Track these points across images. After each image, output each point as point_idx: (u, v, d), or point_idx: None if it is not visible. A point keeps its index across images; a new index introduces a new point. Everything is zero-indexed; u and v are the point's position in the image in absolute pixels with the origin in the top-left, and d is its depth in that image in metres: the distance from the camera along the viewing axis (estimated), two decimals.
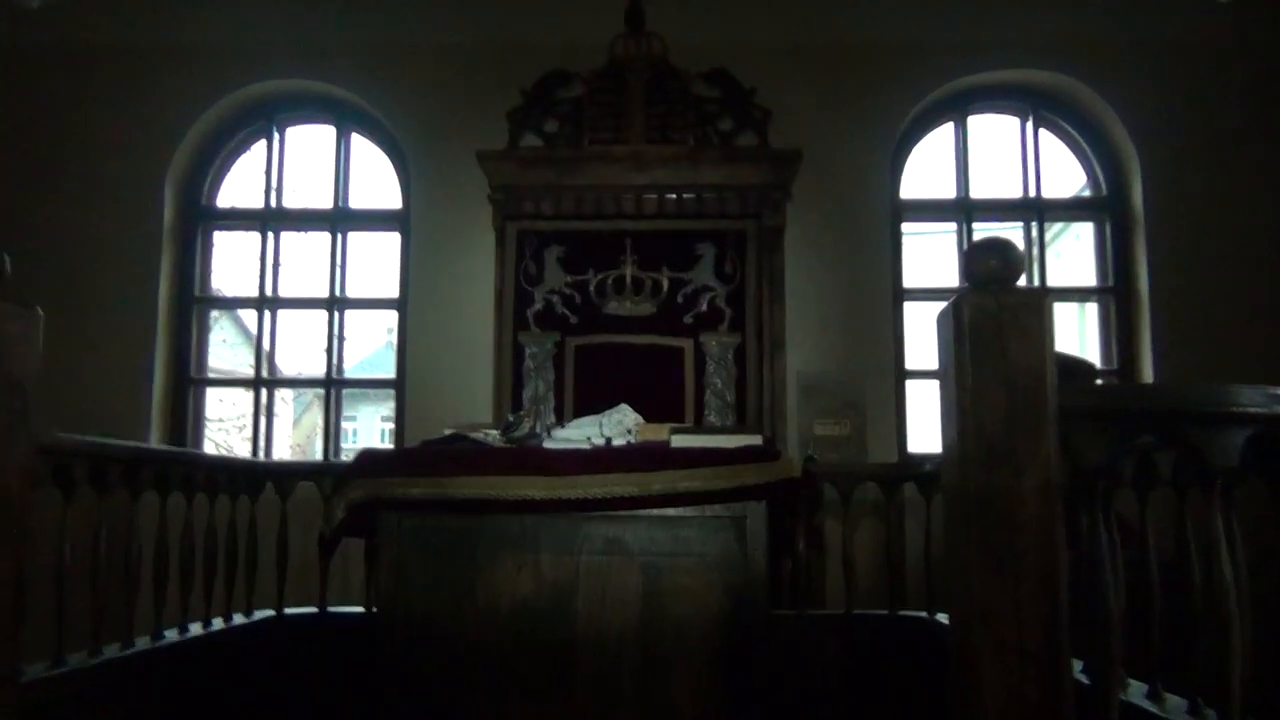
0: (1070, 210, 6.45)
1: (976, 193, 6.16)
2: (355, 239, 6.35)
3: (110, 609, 2.86)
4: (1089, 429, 1.69)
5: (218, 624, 3.54)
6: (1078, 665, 2.08)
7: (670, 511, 3.09)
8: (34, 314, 1.93)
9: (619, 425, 3.43)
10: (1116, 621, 1.74)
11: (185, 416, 6.09)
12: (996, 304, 1.70)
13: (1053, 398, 1.66)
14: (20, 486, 1.88)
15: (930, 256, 6.98)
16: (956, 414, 1.70)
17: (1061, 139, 6.20)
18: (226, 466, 3.89)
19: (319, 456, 6.19)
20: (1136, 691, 2.22)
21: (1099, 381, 5.87)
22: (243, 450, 6.65)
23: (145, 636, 3.10)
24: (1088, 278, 6.22)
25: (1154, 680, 2.21)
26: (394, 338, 6.27)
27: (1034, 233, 6.10)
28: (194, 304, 6.23)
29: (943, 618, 3.40)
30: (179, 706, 3.18)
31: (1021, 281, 1.73)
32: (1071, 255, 6.98)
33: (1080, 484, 1.79)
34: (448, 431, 3.51)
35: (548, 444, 3.32)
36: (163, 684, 3.08)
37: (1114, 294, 6.01)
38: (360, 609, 3.83)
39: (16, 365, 1.87)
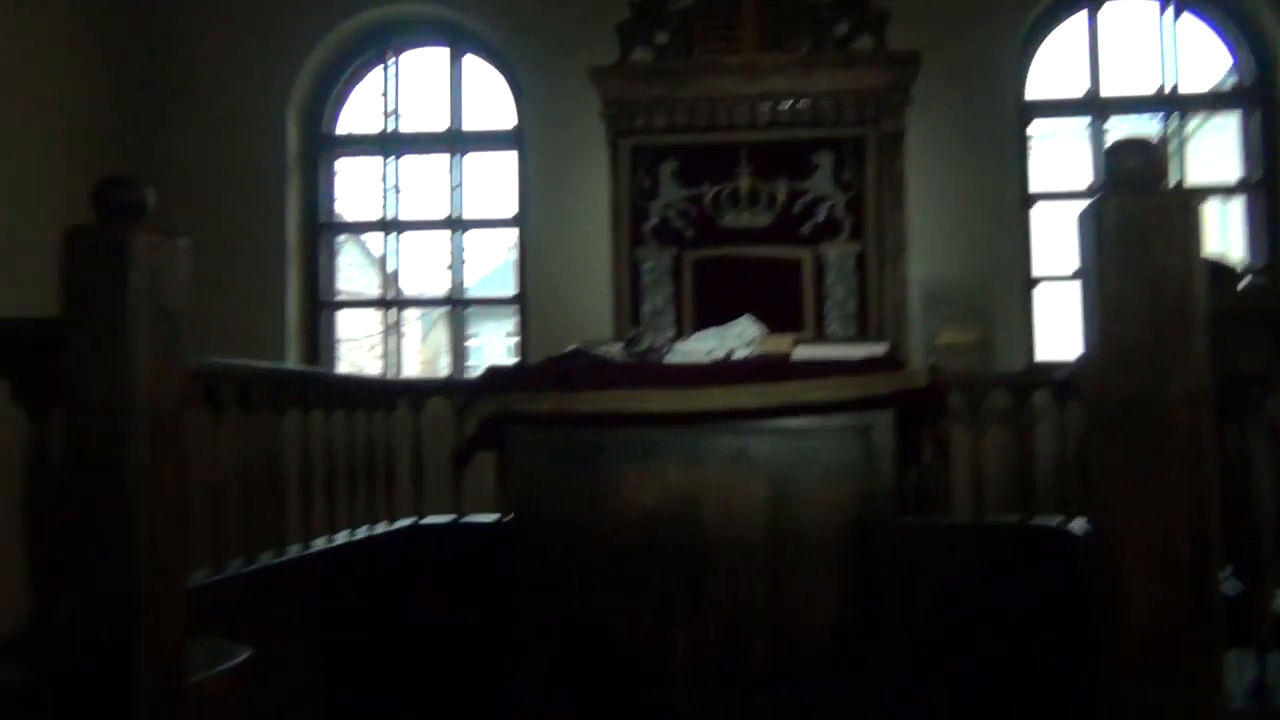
0: (1213, 102, 6.08)
1: (1110, 88, 5.84)
2: (472, 160, 6.43)
3: (262, 522, 3.03)
4: (1241, 334, 1.62)
5: (362, 533, 3.72)
6: (1226, 571, 2.03)
7: (795, 423, 3.09)
8: (180, 242, 2.02)
9: (740, 337, 3.42)
10: (1267, 532, 1.68)
11: (319, 338, 6.32)
12: (1141, 205, 1.63)
13: (1202, 302, 1.59)
14: (176, 409, 1.99)
15: (1059, 158, 6.68)
16: (1100, 320, 1.65)
17: (1205, 23, 5.80)
18: (362, 384, 4.05)
19: (445, 373, 6.36)
20: None
21: (1242, 285, 5.59)
22: (373, 368, 6.89)
23: (296, 545, 3.28)
24: (1230, 173, 5.87)
25: None
26: (514, 255, 6.35)
27: (1173, 127, 5.78)
28: (321, 229, 6.41)
29: (1074, 527, 3.34)
30: (330, 608, 3.37)
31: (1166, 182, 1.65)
32: (1213, 148, 6.59)
33: (1231, 391, 1.72)
34: (571, 347, 3.56)
35: (670, 358, 3.35)
36: (314, 587, 3.26)
37: (1264, 187, 5.67)
38: (494, 517, 3.97)
39: (166, 293, 1.96)
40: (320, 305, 6.36)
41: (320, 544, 3.39)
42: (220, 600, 2.72)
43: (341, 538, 3.55)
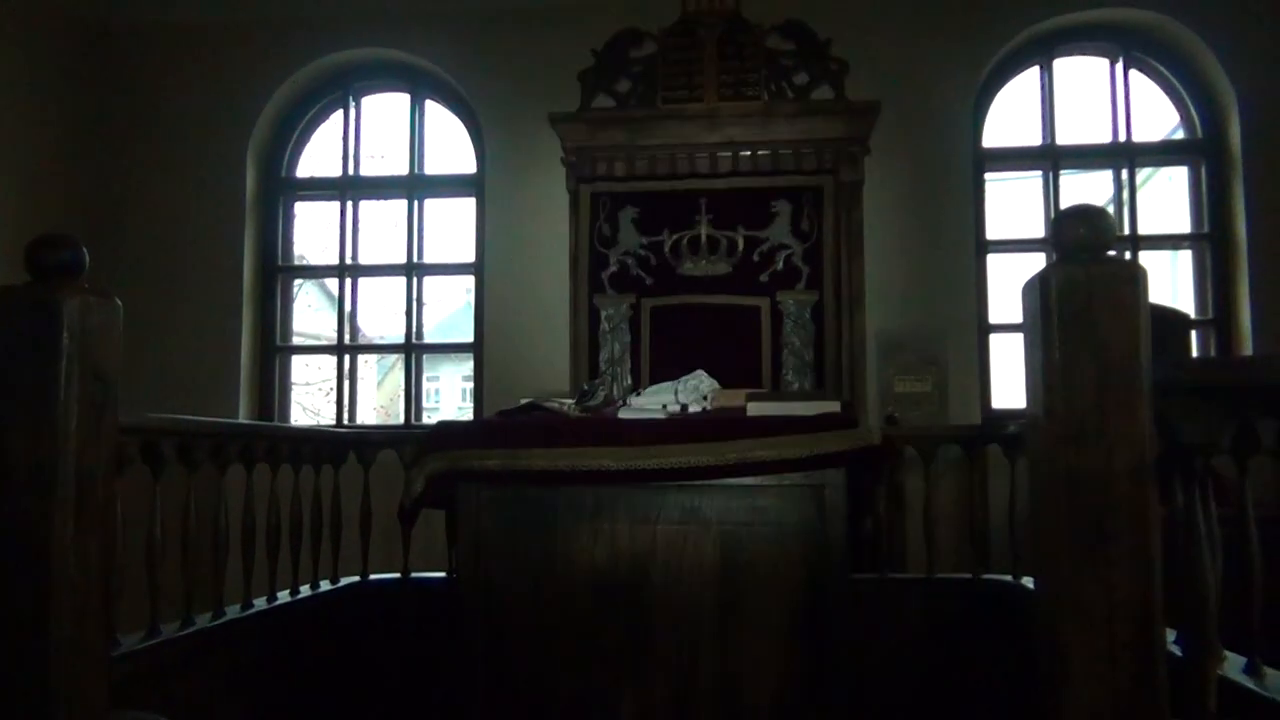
0: (1163, 154, 6.16)
1: (1064, 138, 5.93)
2: (432, 205, 6.40)
3: (201, 581, 2.94)
4: (1186, 405, 1.61)
5: (305, 591, 3.63)
6: (1171, 635, 2.01)
7: (747, 480, 3.06)
8: (113, 304, 1.97)
9: (694, 391, 3.40)
10: (1214, 604, 1.67)
11: (273, 383, 6.23)
12: (1086, 275, 1.62)
13: (1147, 373, 1.58)
14: (107, 473, 1.92)
15: (1015, 206, 6.76)
16: (1043, 390, 1.63)
17: (1153, 80, 5.92)
18: (309, 438, 3.97)
19: (403, 418, 6.28)
20: (1234, 666, 2.13)
21: (1193, 333, 5.65)
22: (329, 412, 6.80)
23: (235, 605, 3.18)
24: (1181, 223, 5.96)
25: (1253, 654, 2.12)
26: (472, 300, 6.32)
27: (1124, 178, 5.87)
28: (278, 273, 6.35)
29: (1028, 582, 3.32)
30: (269, 671, 3.27)
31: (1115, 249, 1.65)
32: (1164, 200, 6.70)
33: (1176, 459, 1.71)
34: (524, 401, 3.52)
35: (623, 412, 3.31)
36: (253, 650, 3.17)
37: (1210, 240, 5.76)
38: (442, 574, 3.89)
39: (98, 355, 1.91)
40: (275, 350, 6.27)
41: (261, 604, 3.29)
42: (154, 665, 2.63)
43: (283, 597, 3.45)
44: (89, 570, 1.85)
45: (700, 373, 3.49)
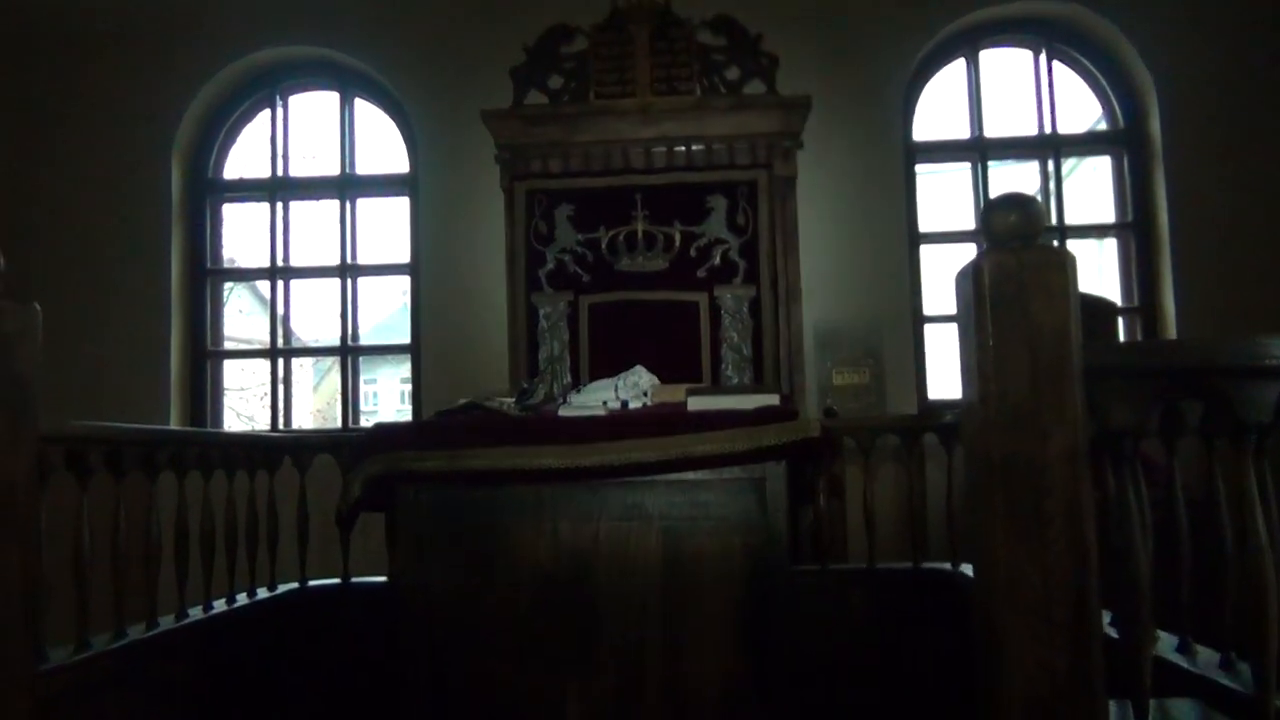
0: (1087, 145, 6.30)
1: (991, 130, 6.04)
2: (364, 205, 6.31)
3: (133, 591, 2.86)
4: (1116, 388, 1.64)
5: (242, 599, 3.55)
6: (1106, 617, 2.05)
7: (688, 475, 3.06)
8: (31, 309, 1.90)
9: (634, 388, 3.39)
10: (1146, 585, 1.70)
11: (204, 390, 6.10)
12: (1018, 262, 1.64)
13: (1078, 358, 1.60)
14: (27, 483, 1.86)
15: (946, 198, 6.86)
16: (978, 377, 1.65)
17: (1076, 71, 6.05)
18: (242, 443, 3.89)
19: (340, 422, 6.19)
20: (1167, 645, 2.18)
21: (1120, 320, 5.79)
22: (264, 418, 6.67)
23: (169, 616, 3.11)
24: (1106, 213, 6.10)
25: (1185, 633, 2.18)
26: (409, 300, 6.24)
27: (1050, 168, 5.99)
28: (206, 277, 6.21)
29: (967, 569, 3.37)
30: (205, 683, 3.20)
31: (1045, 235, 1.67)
32: (1089, 189, 6.85)
33: (1107, 443, 1.74)
34: (462, 401, 3.48)
35: (563, 410, 3.29)
36: (188, 662, 3.09)
37: (1134, 229, 5.90)
38: (383, 579, 3.84)
39: (17, 362, 1.84)
40: (205, 355, 6.14)
41: (196, 613, 3.22)
42: (84, 680, 2.55)
43: (219, 606, 3.38)
44: (9, 583, 1.78)
45: (640, 369, 3.48)
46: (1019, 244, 1.67)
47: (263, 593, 3.69)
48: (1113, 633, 2.01)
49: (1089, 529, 1.55)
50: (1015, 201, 1.71)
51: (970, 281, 1.67)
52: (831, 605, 3.54)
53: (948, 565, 3.61)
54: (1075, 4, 5.75)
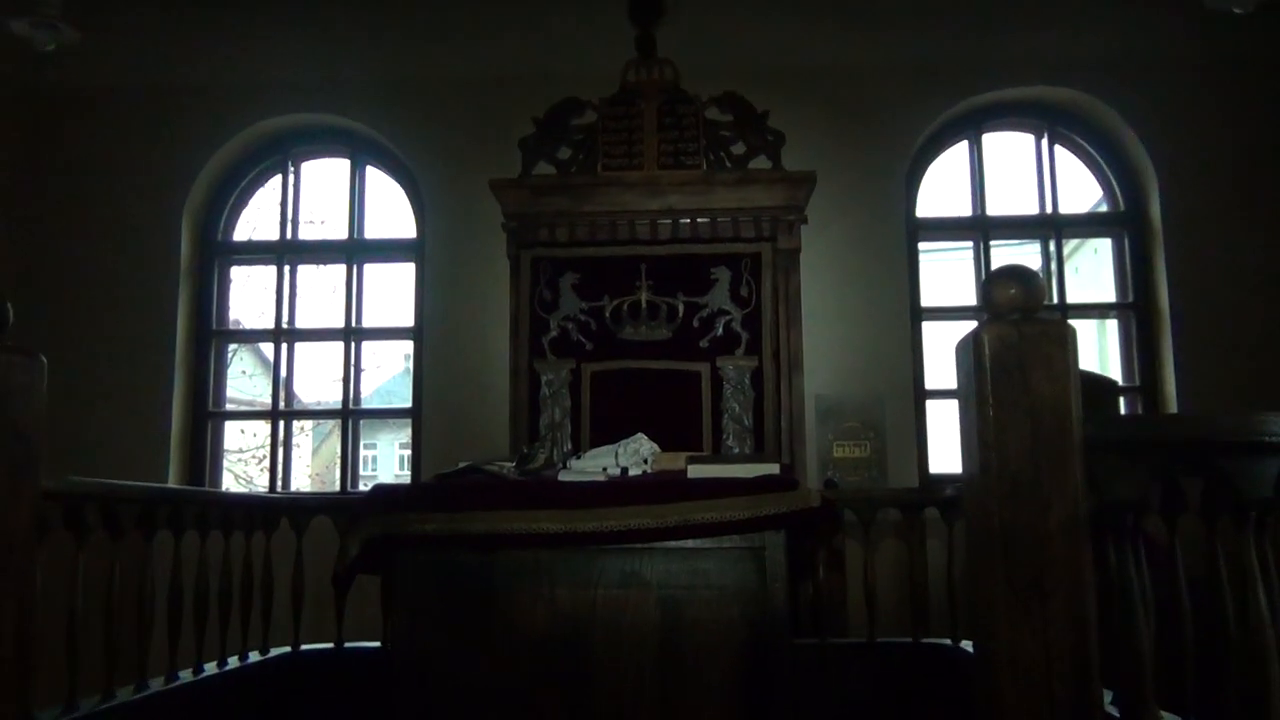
0: (1088, 226, 6.38)
1: (993, 210, 6.11)
2: (371, 270, 6.36)
3: (125, 651, 2.83)
4: (1117, 461, 1.64)
5: (233, 663, 3.51)
6: (1108, 695, 2.02)
7: (688, 543, 3.03)
8: (38, 362, 1.91)
9: (635, 455, 3.38)
10: (1148, 662, 1.68)
11: (204, 450, 6.09)
12: (1018, 334, 1.66)
13: (1079, 430, 1.61)
14: (25, 535, 1.85)
15: (948, 275, 6.92)
16: (979, 447, 1.66)
17: (1077, 155, 6.15)
18: (240, 503, 3.87)
19: (339, 485, 6.16)
20: None
21: (1121, 399, 5.79)
22: (262, 480, 6.64)
23: (159, 678, 3.06)
24: (1107, 293, 6.15)
25: (1188, 714, 2.14)
26: (411, 365, 6.26)
27: (1052, 249, 6.05)
28: (211, 338, 6.24)
29: (967, 645, 3.32)
30: None
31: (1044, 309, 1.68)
32: (1090, 270, 6.91)
33: (1108, 516, 1.74)
34: (462, 464, 3.47)
35: (563, 476, 3.28)
36: None
37: (1134, 310, 5.94)
38: (377, 644, 3.79)
39: (21, 414, 1.85)
40: (207, 415, 6.14)
41: (187, 675, 3.17)
42: None
43: (210, 668, 3.33)
44: (2, 640, 1.77)
45: (641, 436, 3.48)
46: (1019, 316, 1.68)
47: (255, 656, 3.65)
48: (1114, 711, 1.99)
49: (1090, 602, 1.55)
50: (1016, 274, 1.73)
51: (971, 352, 1.68)
52: (831, 679, 3.49)
53: (948, 641, 3.56)
54: (1077, 90, 5.87)
